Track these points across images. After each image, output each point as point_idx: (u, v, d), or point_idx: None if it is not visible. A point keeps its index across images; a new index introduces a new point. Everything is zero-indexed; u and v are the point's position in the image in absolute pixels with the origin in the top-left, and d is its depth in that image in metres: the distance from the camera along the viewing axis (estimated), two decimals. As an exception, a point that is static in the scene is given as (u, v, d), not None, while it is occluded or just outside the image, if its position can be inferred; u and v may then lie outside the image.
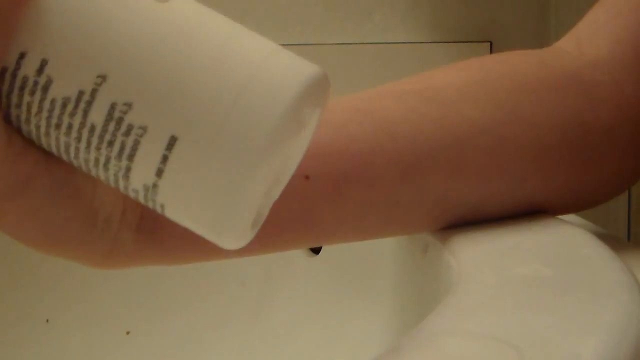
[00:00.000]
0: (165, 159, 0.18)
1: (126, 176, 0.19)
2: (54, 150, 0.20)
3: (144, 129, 0.18)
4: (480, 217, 0.30)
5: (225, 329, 0.43)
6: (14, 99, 0.19)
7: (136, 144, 0.18)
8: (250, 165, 0.18)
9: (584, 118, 0.32)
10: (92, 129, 0.18)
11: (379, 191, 0.28)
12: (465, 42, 0.73)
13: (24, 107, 0.19)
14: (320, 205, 0.27)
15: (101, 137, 0.18)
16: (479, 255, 0.27)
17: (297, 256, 0.41)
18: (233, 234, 0.19)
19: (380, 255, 0.36)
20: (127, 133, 0.18)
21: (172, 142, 0.18)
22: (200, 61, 0.18)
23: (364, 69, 0.73)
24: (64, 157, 0.20)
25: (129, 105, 0.18)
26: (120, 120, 0.18)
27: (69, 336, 0.44)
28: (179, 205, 0.19)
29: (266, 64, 0.19)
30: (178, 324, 0.44)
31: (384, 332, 0.34)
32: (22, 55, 0.18)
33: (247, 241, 0.20)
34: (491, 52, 0.73)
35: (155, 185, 0.19)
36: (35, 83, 0.18)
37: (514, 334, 0.19)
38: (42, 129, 0.19)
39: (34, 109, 0.19)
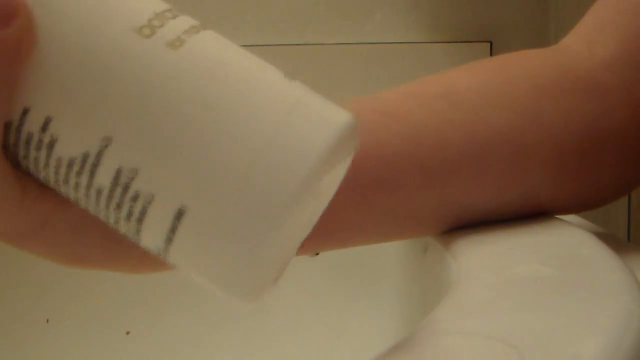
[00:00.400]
0: (174, 228, 0.17)
1: (137, 236, 0.18)
2: (66, 197, 0.19)
3: (151, 196, 0.17)
4: (490, 219, 0.30)
5: (225, 328, 0.43)
6: (21, 152, 0.18)
7: (144, 210, 0.17)
8: (266, 234, 0.16)
9: (598, 123, 0.32)
10: (100, 191, 0.17)
11: (402, 197, 0.28)
12: (465, 42, 0.73)
13: (32, 160, 0.18)
14: (346, 213, 0.27)
15: (109, 199, 0.17)
16: (479, 255, 0.27)
17: (298, 256, 0.41)
18: (250, 296, 0.18)
19: (380, 255, 0.36)
20: (135, 199, 0.17)
21: (180, 212, 0.17)
22: (212, 123, 0.17)
23: (364, 68, 0.73)
24: (78, 205, 0.19)
25: (135, 171, 0.17)
26: (127, 186, 0.17)
27: (69, 336, 0.44)
28: (191, 269, 0.18)
29: (288, 120, 0.17)
30: (178, 323, 0.44)
31: (385, 331, 0.34)
32: (25, 111, 0.17)
33: (265, 296, 0.19)
34: (491, 52, 0.73)
35: (165, 249, 0.18)
36: (40, 140, 0.17)
37: (513, 334, 0.19)
38: (52, 182, 0.18)
39: (41, 164, 0.18)
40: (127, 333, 0.44)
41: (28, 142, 0.18)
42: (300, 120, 0.17)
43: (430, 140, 0.28)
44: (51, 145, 0.17)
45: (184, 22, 0.18)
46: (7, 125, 0.18)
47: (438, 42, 0.73)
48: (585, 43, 0.35)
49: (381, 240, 0.29)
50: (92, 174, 0.17)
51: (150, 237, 0.18)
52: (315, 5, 0.73)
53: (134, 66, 0.17)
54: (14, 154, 0.18)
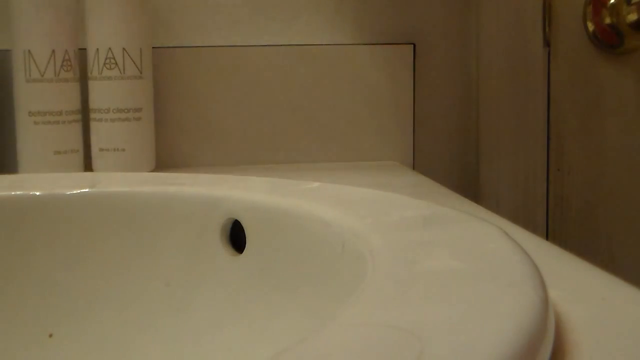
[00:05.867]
0: None
1: None
2: None
3: None
4: None
5: (150, 329, 0.43)
6: None
7: None
8: None
9: None
10: None
11: None
12: (390, 44, 0.74)
13: None
14: None
15: None
16: (393, 250, 0.28)
17: (220, 255, 0.41)
18: None
19: (300, 252, 0.37)
20: None
21: None
22: None
23: (290, 70, 0.73)
24: None
25: None
26: None
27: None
28: None
29: None
30: (100, 325, 0.43)
31: (306, 326, 0.35)
32: None
33: None
34: (414, 54, 0.74)
35: None
36: None
37: (418, 325, 0.20)
38: None
39: None
40: (50, 336, 0.44)
41: None
42: None
43: None
44: None
45: None
46: None
47: (363, 44, 0.74)
48: None
49: None
50: None
51: None
52: (241, 8, 0.73)
53: None
54: None
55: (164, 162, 0.72)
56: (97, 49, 0.62)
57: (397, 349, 0.18)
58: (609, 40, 0.73)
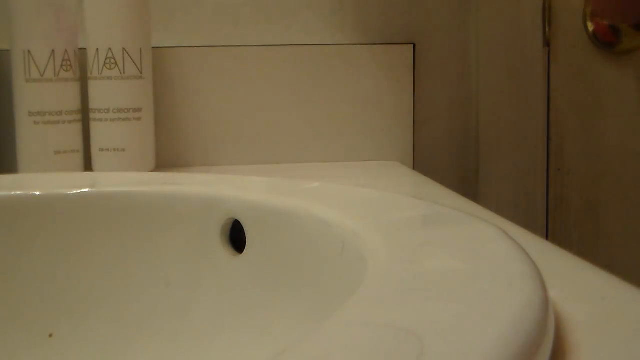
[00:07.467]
0: None
1: None
2: None
3: None
4: None
5: (150, 330, 0.43)
6: None
7: None
8: None
9: None
10: None
11: None
12: (390, 44, 0.74)
13: None
14: None
15: None
16: (393, 250, 0.28)
17: (220, 255, 0.41)
18: None
19: (301, 253, 0.37)
20: None
21: None
22: None
23: (290, 70, 0.73)
24: None
25: None
26: None
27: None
28: None
29: None
30: (101, 325, 0.43)
31: (306, 327, 0.35)
32: None
33: None
34: (414, 53, 0.74)
35: None
36: None
37: (418, 324, 0.20)
38: None
39: None
40: (50, 336, 0.44)
41: None
42: None
43: None
44: None
45: None
46: None
47: (363, 44, 0.74)
48: None
49: None
50: None
51: None
52: (241, 8, 0.73)
53: None
54: None
55: (164, 162, 0.72)
56: (97, 49, 0.62)
57: (397, 349, 0.18)
58: (609, 40, 0.73)
